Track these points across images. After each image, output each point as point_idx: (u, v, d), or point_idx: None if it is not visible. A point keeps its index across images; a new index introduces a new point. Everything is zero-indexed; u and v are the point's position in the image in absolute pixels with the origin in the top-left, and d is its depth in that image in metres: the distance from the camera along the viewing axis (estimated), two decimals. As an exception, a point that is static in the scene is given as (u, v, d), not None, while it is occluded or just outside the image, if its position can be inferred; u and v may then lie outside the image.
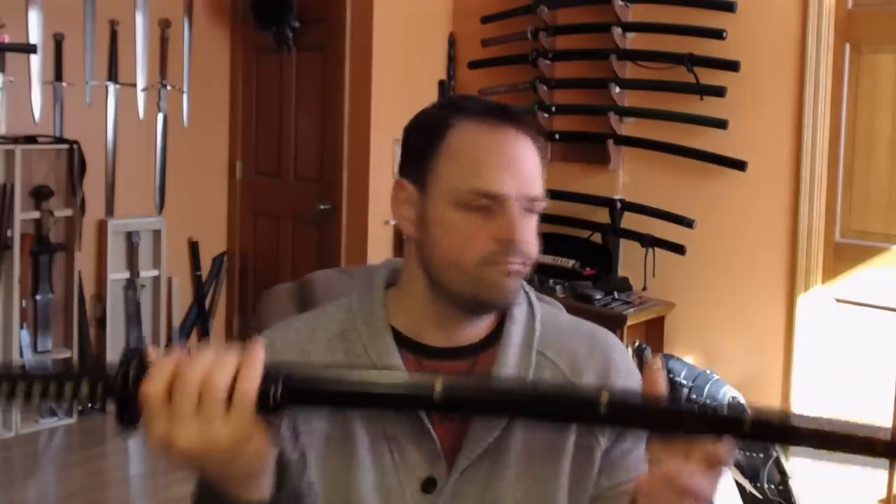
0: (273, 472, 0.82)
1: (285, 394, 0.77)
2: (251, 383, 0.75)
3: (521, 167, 1.01)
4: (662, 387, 0.83)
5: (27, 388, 0.76)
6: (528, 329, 1.08)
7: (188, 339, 4.42)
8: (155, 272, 4.18)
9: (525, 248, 1.01)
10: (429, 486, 1.01)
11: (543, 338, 1.08)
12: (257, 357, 0.76)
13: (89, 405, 3.77)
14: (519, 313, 1.08)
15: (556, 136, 3.49)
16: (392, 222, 3.78)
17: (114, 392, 0.76)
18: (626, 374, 1.09)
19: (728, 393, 2.82)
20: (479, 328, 1.07)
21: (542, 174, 1.03)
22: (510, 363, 1.04)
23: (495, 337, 1.07)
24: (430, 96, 3.90)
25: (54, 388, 0.77)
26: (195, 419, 0.74)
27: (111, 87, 4.05)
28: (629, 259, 3.29)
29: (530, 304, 1.11)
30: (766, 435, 0.85)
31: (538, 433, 1.02)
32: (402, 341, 1.06)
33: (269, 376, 0.77)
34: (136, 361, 0.77)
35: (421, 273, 1.05)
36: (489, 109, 1.04)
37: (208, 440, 0.74)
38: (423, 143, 1.04)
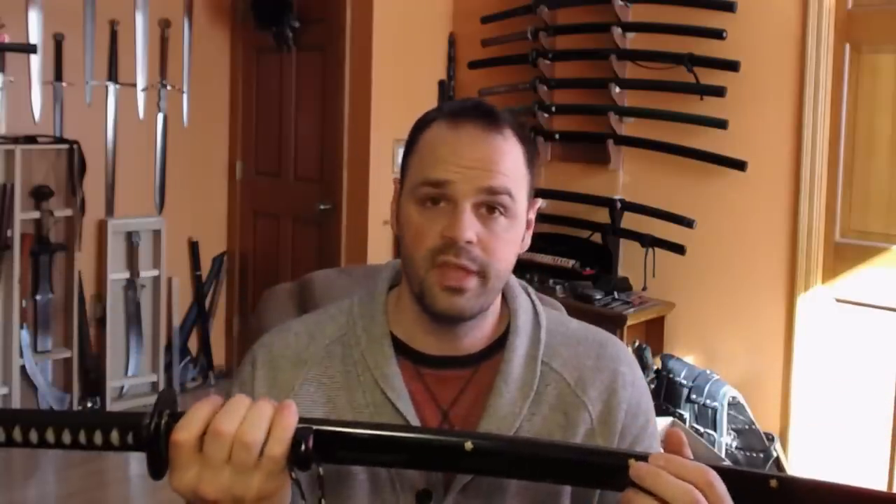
0: None
1: (315, 449, 0.78)
2: (282, 445, 0.77)
3: (477, 157, 0.97)
4: (687, 451, 0.82)
5: (57, 436, 0.77)
6: (532, 339, 1.05)
7: (188, 339, 4.42)
8: (155, 272, 4.18)
9: (475, 251, 0.96)
10: (424, 498, 0.99)
11: (549, 347, 1.05)
12: (290, 417, 0.78)
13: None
14: (524, 322, 1.06)
15: (556, 136, 3.49)
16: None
17: (144, 442, 0.77)
18: (632, 388, 1.06)
19: (728, 393, 2.82)
20: (478, 337, 1.05)
21: (507, 168, 0.98)
22: (514, 374, 1.02)
23: (499, 345, 1.05)
24: (430, 96, 3.90)
25: (84, 436, 0.77)
26: (225, 470, 0.76)
27: (111, 87, 4.05)
28: (629, 259, 3.29)
29: (535, 311, 1.08)
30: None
31: None
32: (402, 349, 1.04)
33: (300, 431, 0.78)
34: (167, 411, 0.78)
35: (405, 274, 1.05)
36: (459, 107, 1.02)
37: (236, 492, 0.76)
38: (407, 142, 1.05)
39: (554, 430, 1.01)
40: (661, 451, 0.85)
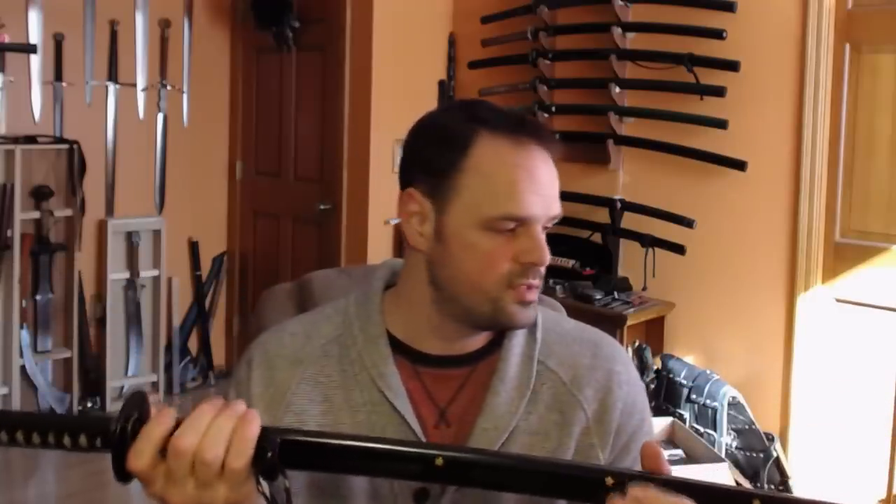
0: None
1: (283, 458, 0.78)
2: (243, 458, 0.76)
3: (549, 189, 1.00)
4: (665, 467, 0.81)
5: (26, 436, 0.78)
6: (529, 338, 1.06)
7: (188, 339, 4.42)
8: (155, 272, 4.18)
9: (544, 268, 1.00)
10: (421, 496, 0.99)
11: (545, 346, 1.06)
12: (252, 430, 0.77)
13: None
14: None
15: (556, 136, 3.48)
16: (392, 222, 3.78)
17: (111, 446, 0.77)
18: (628, 386, 1.07)
19: (728, 393, 2.82)
20: (478, 338, 1.06)
21: (558, 190, 1.03)
22: (510, 373, 1.03)
23: (495, 345, 1.06)
24: (430, 96, 3.90)
25: (53, 437, 0.78)
26: (189, 483, 0.76)
27: (111, 87, 4.05)
28: (629, 259, 3.29)
29: None
30: None
31: (537, 447, 1.01)
32: (399, 347, 1.04)
33: (266, 440, 0.78)
34: (134, 416, 0.78)
35: (427, 287, 1.03)
36: (514, 124, 1.00)
37: (204, 501, 0.77)
38: (441, 156, 0.99)
39: (550, 428, 1.02)
40: None
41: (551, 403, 1.03)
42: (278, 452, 0.77)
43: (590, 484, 0.79)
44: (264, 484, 0.79)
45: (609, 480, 0.78)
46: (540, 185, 0.99)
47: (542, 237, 0.99)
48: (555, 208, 1.01)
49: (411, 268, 1.05)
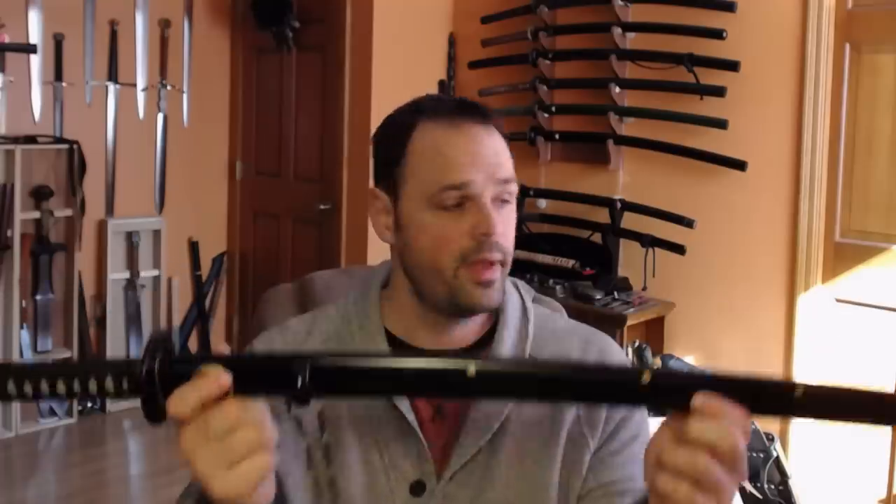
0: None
1: (313, 382, 0.75)
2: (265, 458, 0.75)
3: (486, 153, 1.00)
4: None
5: (51, 387, 0.75)
6: (520, 333, 1.07)
7: (188, 339, 4.42)
8: (155, 272, 4.18)
9: (501, 241, 0.99)
10: (417, 488, 1.00)
11: (537, 341, 1.07)
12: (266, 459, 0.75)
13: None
14: (512, 317, 1.07)
15: (556, 136, 3.49)
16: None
17: (139, 387, 0.75)
18: None
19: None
20: (471, 330, 1.06)
21: (506, 156, 1.02)
22: None
23: (488, 339, 1.06)
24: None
25: (79, 385, 0.75)
26: (217, 448, 0.74)
27: (111, 87, 4.05)
28: (629, 259, 3.29)
29: (524, 307, 1.10)
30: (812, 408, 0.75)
31: (529, 435, 1.01)
32: (396, 343, 1.05)
33: (296, 366, 0.75)
34: (160, 354, 0.75)
35: (404, 279, 1.05)
36: (447, 105, 1.04)
37: (225, 468, 0.74)
38: (389, 149, 1.04)
39: (542, 419, 1.02)
40: (647, 438, 0.84)
41: None
42: (308, 378, 0.75)
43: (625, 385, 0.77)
44: (294, 409, 0.78)
45: (645, 377, 0.75)
46: (477, 155, 1.00)
47: (492, 209, 0.98)
48: (500, 172, 1.00)
49: (393, 263, 1.08)
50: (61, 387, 0.75)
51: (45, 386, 0.75)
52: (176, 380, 0.75)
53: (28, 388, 0.76)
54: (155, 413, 0.75)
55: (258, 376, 0.78)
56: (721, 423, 0.70)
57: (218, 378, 0.74)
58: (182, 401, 0.73)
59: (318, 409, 0.79)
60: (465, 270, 0.98)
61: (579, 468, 1.02)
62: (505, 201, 1.01)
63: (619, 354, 1.12)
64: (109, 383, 0.75)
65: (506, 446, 1.01)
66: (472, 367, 0.76)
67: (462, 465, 1.00)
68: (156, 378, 0.75)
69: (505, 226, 1.00)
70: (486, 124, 1.02)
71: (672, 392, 0.75)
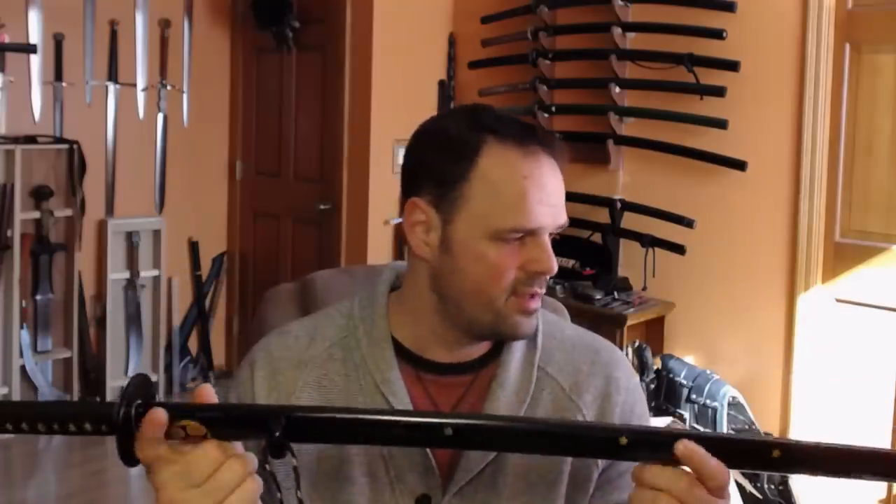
0: None
1: (289, 433, 0.79)
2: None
3: (557, 199, 0.99)
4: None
5: (32, 426, 0.80)
6: (529, 345, 1.06)
7: (188, 339, 4.42)
8: (155, 272, 4.18)
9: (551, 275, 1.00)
10: (423, 502, 0.99)
11: (545, 353, 1.06)
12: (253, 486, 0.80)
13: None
14: None
15: (562, 141, 3.47)
16: (392, 222, 3.78)
17: (115, 430, 0.79)
18: (626, 392, 1.07)
19: (728, 393, 2.82)
20: (482, 345, 1.06)
21: (563, 195, 1.01)
22: (511, 379, 1.03)
23: (497, 352, 1.05)
24: (430, 96, 3.90)
25: (58, 426, 0.80)
26: (204, 491, 0.78)
27: (111, 87, 4.05)
28: (629, 259, 3.29)
29: None
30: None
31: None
32: (402, 352, 1.04)
33: (272, 418, 0.79)
34: (137, 401, 0.79)
35: (431, 296, 1.02)
36: (522, 132, 0.98)
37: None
38: (447, 165, 0.97)
39: None
40: None
41: (551, 409, 1.04)
42: (283, 430, 0.79)
43: (605, 442, 0.82)
44: (271, 462, 0.80)
45: (623, 440, 0.80)
46: (548, 196, 0.97)
47: (550, 246, 0.98)
48: (562, 218, 1.00)
49: (415, 275, 1.04)
50: (42, 427, 0.80)
51: (25, 426, 0.80)
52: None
53: (10, 426, 0.80)
54: (130, 456, 0.79)
55: (235, 424, 0.81)
56: (673, 470, 0.79)
57: (151, 419, 0.77)
58: (144, 445, 0.77)
59: (293, 465, 0.81)
60: (514, 300, 0.98)
61: (587, 486, 1.02)
62: (553, 235, 1.01)
63: (625, 370, 1.10)
64: (88, 427, 0.80)
65: (512, 462, 1.00)
66: (448, 430, 0.80)
67: (468, 481, 0.99)
68: (132, 423, 0.78)
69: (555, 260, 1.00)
70: (552, 157, 1.00)
71: (650, 447, 0.81)
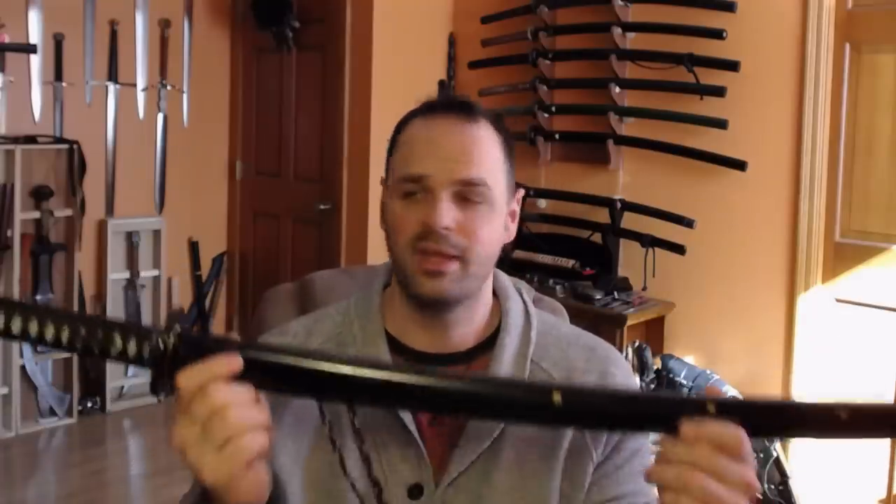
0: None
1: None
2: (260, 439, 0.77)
3: (448, 149, 1.00)
4: None
5: (71, 335, 0.76)
6: (523, 338, 1.06)
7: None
8: (155, 272, 4.18)
9: (457, 237, 0.98)
10: (415, 492, 0.99)
11: (539, 347, 1.06)
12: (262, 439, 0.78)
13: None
14: (515, 321, 1.07)
15: (556, 136, 3.49)
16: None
17: (151, 357, 0.77)
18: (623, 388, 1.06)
19: (728, 393, 2.82)
20: (470, 334, 1.05)
21: (481, 157, 1.01)
22: (502, 372, 1.03)
23: (490, 344, 1.06)
24: (430, 96, 3.90)
25: (97, 346, 0.77)
26: (203, 433, 0.75)
27: (111, 87, 4.05)
28: (629, 259, 3.29)
29: (527, 312, 1.09)
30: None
31: (530, 444, 1.00)
32: (397, 347, 1.05)
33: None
34: (179, 331, 0.77)
35: (396, 276, 1.07)
36: (436, 103, 1.06)
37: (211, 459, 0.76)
38: (389, 144, 1.10)
39: (543, 428, 1.01)
40: (649, 450, 0.85)
41: None
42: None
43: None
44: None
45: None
46: (439, 148, 1.00)
47: (443, 202, 0.98)
48: (461, 172, 0.99)
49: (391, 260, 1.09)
50: (78, 342, 0.76)
51: (63, 335, 0.76)
52: (189, 360, 0.77)
53: (49, 331, 0.76)
54: (161, 385, 0.77)
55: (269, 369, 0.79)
56: (699, 444, 0.79)
57: (230, 361, 0.76)
58: (190, 376, 0.75)
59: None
60: (415, 257, 1.00)
61: (581, 479, 1.01)
62: (472, 199, 1.00)
63: (622, 367, 1.09)
64: (132, 347, 0.77)
65: (505, 454, 0.99)
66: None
67: (461, 472, 0.99)
68: (167, 353, 0.76)
69: (467, 222, 0.99)
70: (468, 122, 1.02)
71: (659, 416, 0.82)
